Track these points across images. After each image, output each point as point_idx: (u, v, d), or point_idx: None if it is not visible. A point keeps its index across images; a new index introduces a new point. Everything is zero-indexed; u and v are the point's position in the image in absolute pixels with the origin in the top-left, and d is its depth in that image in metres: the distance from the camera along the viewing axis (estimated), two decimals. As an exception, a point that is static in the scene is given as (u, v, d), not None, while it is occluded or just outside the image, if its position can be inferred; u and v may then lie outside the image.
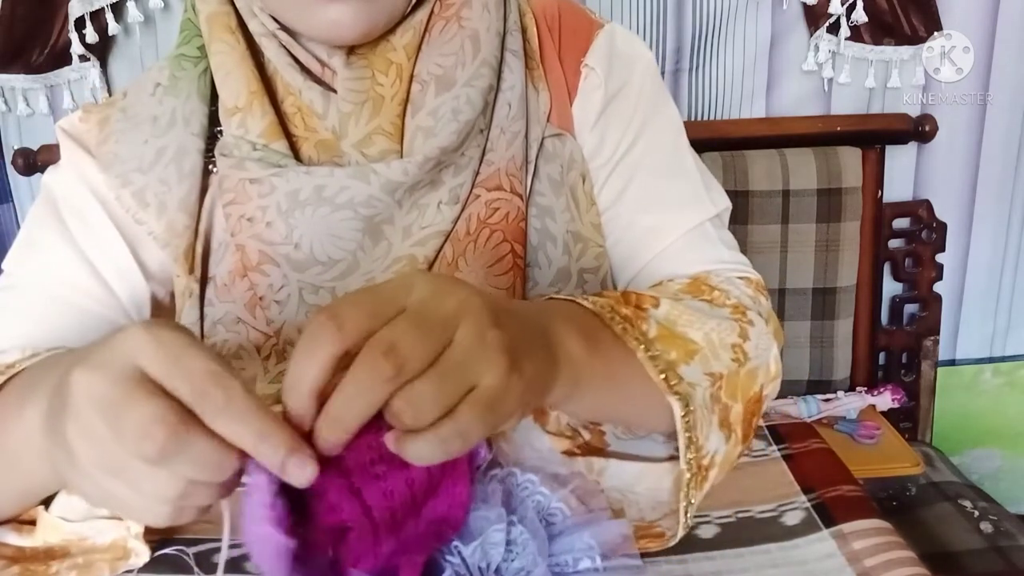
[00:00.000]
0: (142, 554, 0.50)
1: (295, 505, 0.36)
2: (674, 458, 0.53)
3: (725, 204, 0.65)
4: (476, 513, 0.43)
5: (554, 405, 0.47)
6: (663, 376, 0.47)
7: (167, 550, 0.52)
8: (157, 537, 0.54)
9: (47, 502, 0.50)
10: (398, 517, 0.37)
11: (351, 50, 0.57)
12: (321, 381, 0.33)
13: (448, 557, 0.43)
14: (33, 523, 0.50)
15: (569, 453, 0.53)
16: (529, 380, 0.38)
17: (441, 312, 0.35)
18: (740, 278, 0.61)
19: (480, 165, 0.59)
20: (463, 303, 0.35)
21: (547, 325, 0.44)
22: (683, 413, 0.47)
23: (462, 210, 0.58)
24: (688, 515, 0.49)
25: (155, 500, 0.34)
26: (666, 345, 0.49)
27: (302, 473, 0.33)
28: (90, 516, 0.49)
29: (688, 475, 0.48)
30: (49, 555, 0.50)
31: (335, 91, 0.58)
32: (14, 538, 0.49)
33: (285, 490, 0.35)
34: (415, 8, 0.58)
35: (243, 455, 0.33)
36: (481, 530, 0.43)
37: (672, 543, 0.50)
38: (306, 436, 0.34)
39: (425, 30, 0.59)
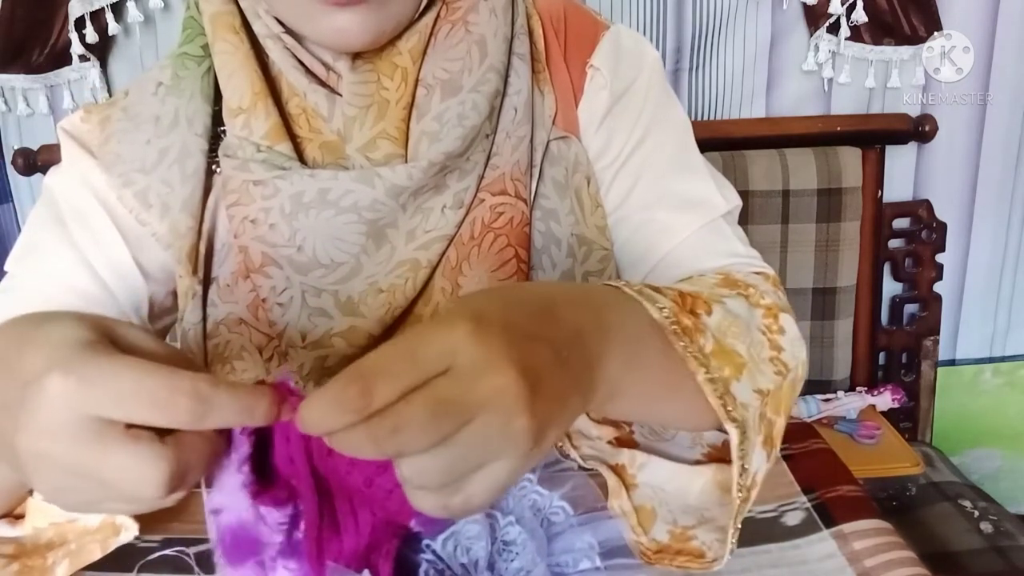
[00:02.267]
0: (131, 528, 0.50)
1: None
2: (700, 462, 0.52)
3: (736, 202, 0.64)
4: None
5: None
6: (721, 401, 0.45)
7: (167, 551, 0.52)
8: (159, 538, 0.54)
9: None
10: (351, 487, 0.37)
11: (356, 54, 0.57)
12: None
13: (421, 554, 0.43)
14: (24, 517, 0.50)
15: (615, 443, 0.52)
16: (551, 445, 0.37)
17: (468, 395, 0.32)
18: (757, 273, 0.60)
19: (485, 170, 0.59)
20: (497, 389, 0.32)
21: (596, 351, 0.40)
22: (740, 441, 0.45)
23: (466, 214, 0.58)
24: (734, 539, 0.48)
25: (147, 506, 0.34)
26: (720, 361, 0.47)
27: (288, 415, 0.34)
28: None
29: (739, 502, 0.46)
30: (48, 547, 0.50)
31: (340, 94, 0.58)
32: (8, 531, 0.49)
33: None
34: (421, 13, 0.58)
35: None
36: (452, 521, 0.43)
37: (717, 567, 0.49)
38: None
39: (430, 34, 0.59)
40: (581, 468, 0.55)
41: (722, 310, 0.50)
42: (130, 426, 0.31)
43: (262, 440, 0.36)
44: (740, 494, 0.46)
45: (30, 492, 0.49)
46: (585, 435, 0.52)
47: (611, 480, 0.53)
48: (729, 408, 0.45)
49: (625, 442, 0.55)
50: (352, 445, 0.32)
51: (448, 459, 0.32)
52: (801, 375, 0.54)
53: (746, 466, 0.46)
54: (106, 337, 0.33)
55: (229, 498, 0.36)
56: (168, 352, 0.36)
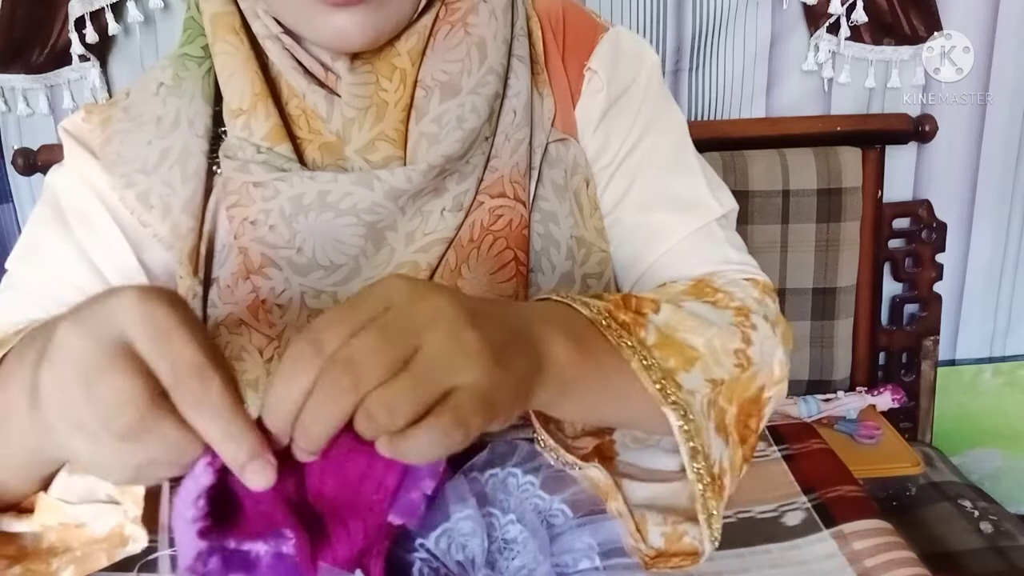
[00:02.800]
0: (140, 539, 0.50)
1: (229, 506, 0.36)
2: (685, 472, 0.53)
3: (732, 205, 0.64)
4: (433, 503, 0.43)
5: (541, 408, 0.47)
6: (659, 386, 0.46)
7: (168, 551, 0.52)
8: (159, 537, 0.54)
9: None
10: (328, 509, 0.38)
11: (355, 55, 0.57)
12: (300, 404, 0.34)
13: (414, 553, 0.43)
14: (33, 511, 0.50)
15: (587, 458, 0.53)
16: (517, 376, 0.39)
17: (410, 319, 0.35)
18: (747, 279, 0.60)
19: (484, 172, 0.59)
20: (436, 309, 0.36)
21: (532, 327, 0.43)
22: (681, 423, 0.46)
23: (465, 217, 0.58)
24: (713, 528, 0.48)
25: (116, 464, 0.35)
26: (665, 353, 0.48)
27: (260, 478, 0.34)
28: (88, 499, 0.49)
29: (700, 486, 0.47)
30: (51, 552, 0.50)
31: (339, 95, 0.58)
32: (15, 524, 0.49)
33: (222, 490, 0.36)
34: (420, 13, 0.58)
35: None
36: (444, 518, 0.43)
37: (704, 558, 0.49)
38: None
39: (429, 35, 0.59)
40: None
41: (673, 308, 0.51)
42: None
43: (224, 476, 0.36)
44: (698, 477, 0.47)
45: (45, 488, 0.49)
46: (570, 447, 0.52)
47: (608, 483, 0.53)
48: (669, 392, 0.46)
49: (606, 454, 0.55)
50: (317, 402, 0.33)
51: (411, 381, 0.34)
52: (778, 375, 0.55)
53: (699, 448, 0.47)
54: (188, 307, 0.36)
55: (181, 529, 0.36)
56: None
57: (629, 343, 0.47)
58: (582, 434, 0.53)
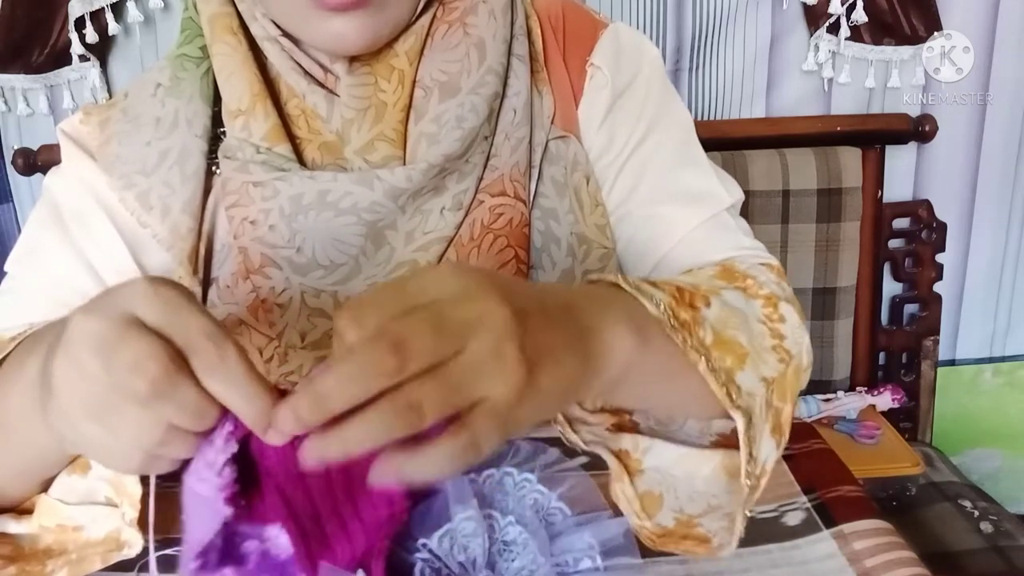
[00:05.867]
0: (135, 544, 0.50)
1: (242, 478, 0.36)
2: (711, 446, 0.53)
3: (739, 195, 0.65)
4: (435, 503, 0.43)
5: (592, 398, 0.47)
6: (725, 390, 0.46)
7: (167, 551, 0.52)
8: (158, 537, 0.54)
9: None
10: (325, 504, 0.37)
11: (353, 57, 0.57)
12: (348, 406, 0.33)
13: (416, 554, 0.43)
14: (32, 512, 0.50)
15: (613, 429, 0.53)
16: (548, 391, 0.37)
17: (461, 317, 0.34)
18: (762, 264, 0.60)
19: (484, 171, 0.59)
20: (487, 312, 0.34)
21: (588, 319, 0.41)
22: (746, 428, 0.46)
23: (465, 216, 0.58)
24: (743, 527, 0.48)
25: (131, 445, 0.35)
26: (721, 352, 0.48)
27: (280, 438, 0.34)
28: (86, 500, 0.49)
29: (747, 490, 0.47)
30: (47, 554, 0.50)
31: (338, 95, 0.58)
32: (13, 525, 0.49)
33: (237, 461, 0.36)
34: (418, 15, 0.58)
35: (224, 408, 0.34)
36: (447, 519, 0.43)
37: (724, 553, 0.49)
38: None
39: (427, 35, 0.59)
40: (583, 456, 0.54)
41: (719, 302, 0.50)
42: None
43: (244, 451, 0.36)
44: (749, 482, 0.47)
45: (45, 487, 0.49)
46: (583, 421, 0.52)
47: (612, 464, 0.52)
48: (733, 396, 0.46)
49: (625, 429, 0.55)
50: (352, 376, 0.32)
51: (446, 387, 0.33)
52: (806, 362, 0.55)
53: (754, 454, 0.47)
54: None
55: (197, 505, 0.36)
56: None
57: (695, 346, 0.46)
58: (600, 411, 0.53)
